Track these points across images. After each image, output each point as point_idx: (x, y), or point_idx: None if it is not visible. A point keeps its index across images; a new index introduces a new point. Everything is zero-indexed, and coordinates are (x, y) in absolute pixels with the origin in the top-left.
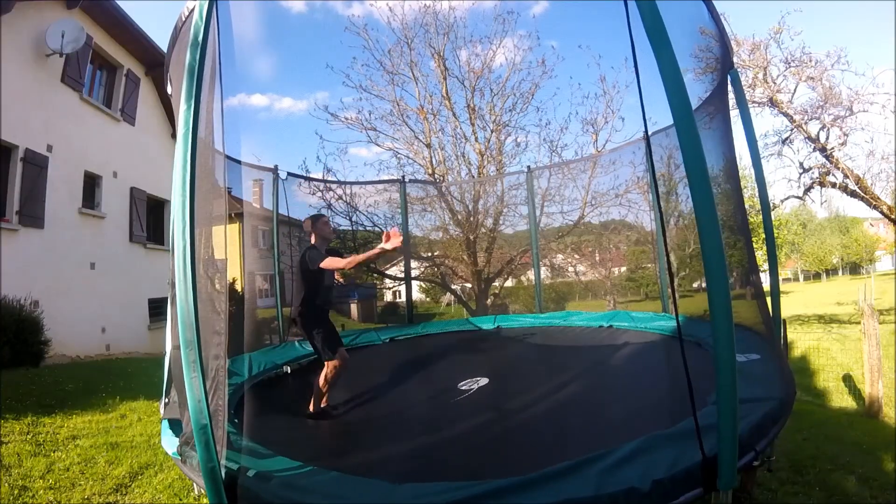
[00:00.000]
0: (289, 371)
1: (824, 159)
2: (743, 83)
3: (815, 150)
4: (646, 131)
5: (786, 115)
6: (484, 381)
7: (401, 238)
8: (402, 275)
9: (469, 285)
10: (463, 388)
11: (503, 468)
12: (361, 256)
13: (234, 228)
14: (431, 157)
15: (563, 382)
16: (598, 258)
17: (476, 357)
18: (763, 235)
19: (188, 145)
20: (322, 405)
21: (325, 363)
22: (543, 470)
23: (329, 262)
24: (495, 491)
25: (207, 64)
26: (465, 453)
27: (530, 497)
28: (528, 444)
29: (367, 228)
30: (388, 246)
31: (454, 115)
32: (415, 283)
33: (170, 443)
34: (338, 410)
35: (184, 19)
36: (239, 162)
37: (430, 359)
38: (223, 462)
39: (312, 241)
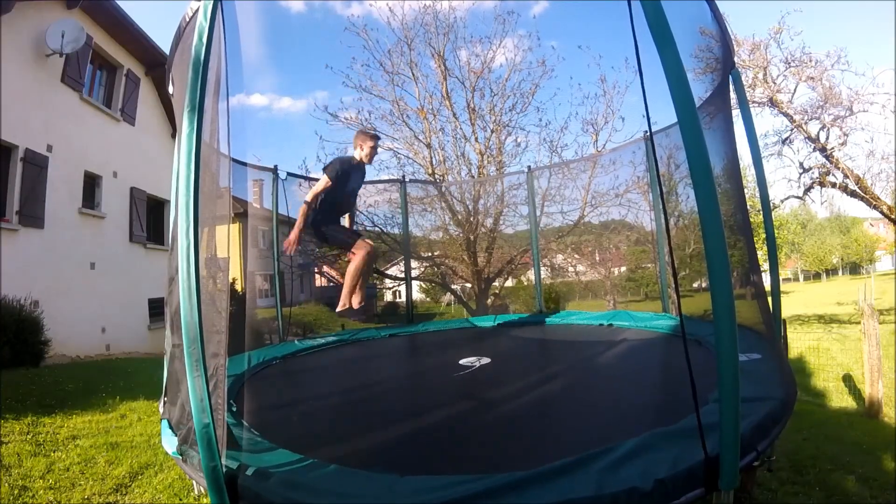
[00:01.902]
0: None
1: (824, 159)
2: (743, 83)
3: (815, 150)
4: (649, 130)
5: (786, 115)
6: (486, 360)
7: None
8: (402, 275)
9: (469, 285)
10: (465, 363)
11: (503, 459)
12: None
13: (234, 228)
14: (431, 157)
15: (562, 377)
16: (598, 258)
17: (477, 347)
18: (763, 235)
19: (192, 145)
20: (349, 300)
21: (356, 250)
22: (545, 466)
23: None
24: (498, 486)
25: (212, 65)
26: (467, 444)
27: (533, 496)
28: (529, 436)
29: (368, 228)
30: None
31: (454, 115)
32: (415, 283)
33: (170, 443)
34: (367, 314)
35: (188, 19)
36: (239, 162)
37: (430, 349)
38: (224, 461)
39: (356, 154)
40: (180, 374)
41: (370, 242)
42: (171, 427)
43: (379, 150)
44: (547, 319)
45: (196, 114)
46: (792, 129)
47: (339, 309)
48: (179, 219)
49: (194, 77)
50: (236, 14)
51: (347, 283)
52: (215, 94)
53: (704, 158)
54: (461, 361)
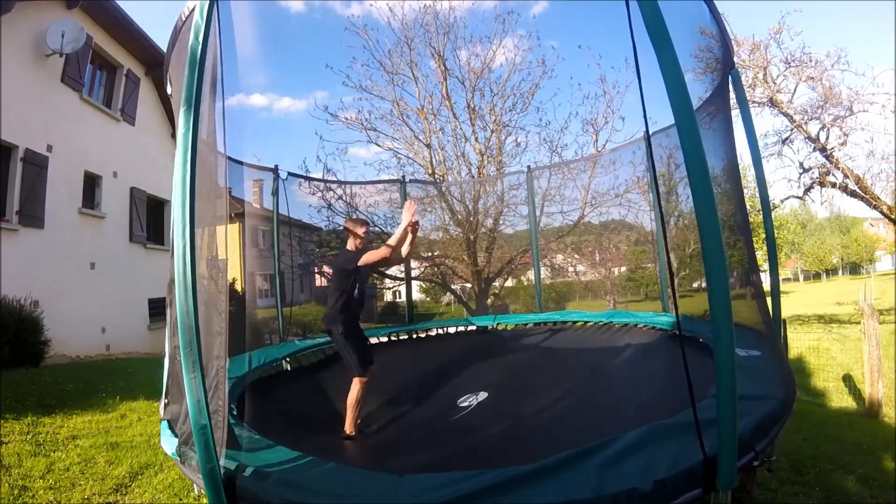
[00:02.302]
0: (288, 368)
1: (824, 159)
2: (743, 83)
3: (815, 150)
4: (647, 130)
5: (786, 115)
6: (483, 395)
7: (413, 207)
8: (402, 275)
9: (469, 285)
10: (463, 404)
11: (501, 458)
12: (394, 240)
13: (234, 228)
14: (431, 157)
15: (562, 375)
16: (598, 258)
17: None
18: (763, 235)
19: (188, 145)
20: (355, 426)
21: (354, 379)
22: (545, 461)
23: (368, 256)
24: (500, 483)
25: (208, 64)
26: (466, 442)
27: (533, 495)
28: (529, 433)
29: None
30: (408, 215)
31: (454, 115)
32: (415, 283)
33: (170, 443)
34: (371, 429)
35: (184, 19)
36: (239, 162)
37: (430, 351)
38: (222, 462)
39: (349, 245)
40: (181, 375)
41: (371, 373)
42: (171, 428)
43: (379, 149)
44: (546, 319)
45: (192, 112)
46: (792, 129)
47: (347, 431)
48: (175, 218)
49: (190, 76)
50: (231, 14)
51: (349, 413)
52: (213, 93)
53: (701, 159)
54: (459, 402)
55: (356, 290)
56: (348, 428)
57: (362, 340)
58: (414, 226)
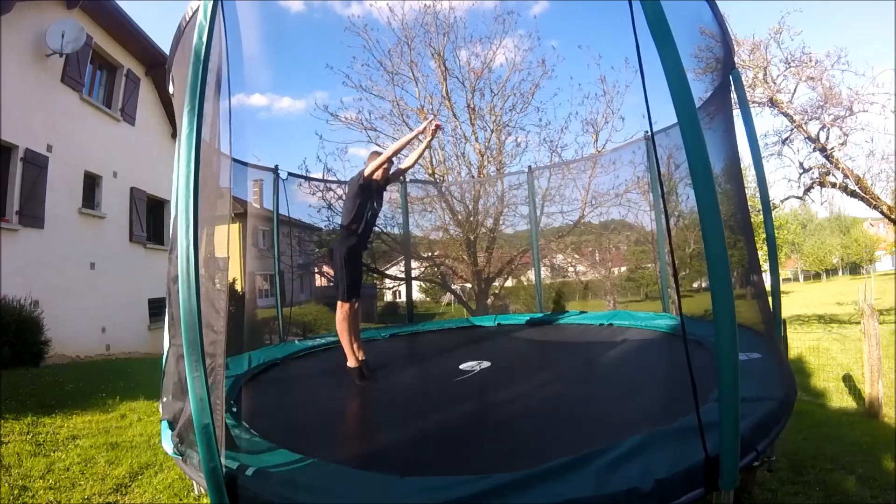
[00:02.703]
0: (288, 368)
1: (824, 159)
2: (743, 83)
3: (815, 150)
4: (650, 130)
5: (786, 115)
6: (486, 364)
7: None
8: (402, 275)
9: (469, 285)
10: (465, 368)
11: (504, 459)
12: (397, 144)
13: (234, 228)
14: (431, 157)
15: (563, 379)
16: (598, 258)
17: (477, 345)
18: (763, 235)
19: (192, 145)
20: (356, 363)
21: (338, 304)
22: (545, 465)
23: (372, 165)
24: (499, 486)
25: (212, 64)
26: (466, 443)
27: (534, 496)
28: (529, 434)
29: None
30: (419, 129)
31: (454, 115)
32: (415, 283)
33: (170, 443)
34: (370, 373)
35: (188, 19)
36: (240, 162)
37: (431, 349)
38: (223, 461)
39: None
40: (182, 373)
41: (354, 306)
42: (171, 428)
43: (379, 149)
44: (548, 319)
45: (196, 113)
46: (792, 129)
47: (350, 365)
48: (179, 219)
49: (194, 76)
50: (237, 13)
51: (341, 339)
52: (216, 93)
53: (704, 158)
54: (462, 366)
55: (369, 212)
56: (350, 361)
57: (356, 273)
58: (435, 130)
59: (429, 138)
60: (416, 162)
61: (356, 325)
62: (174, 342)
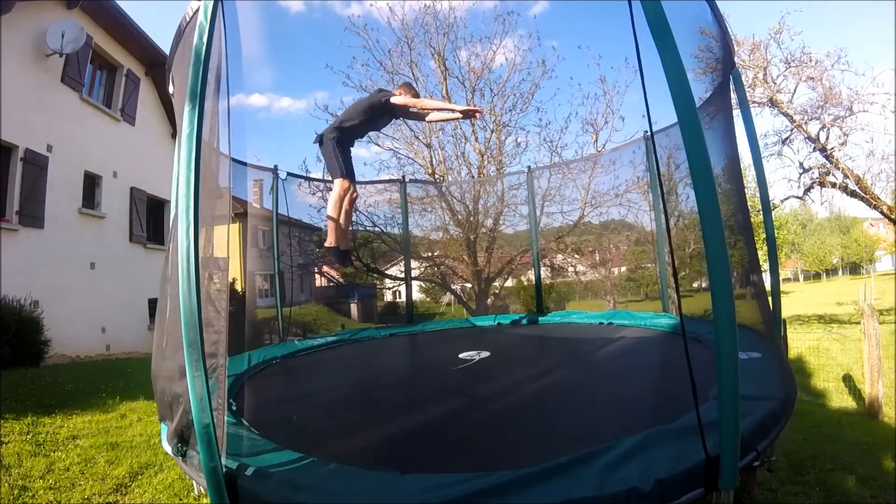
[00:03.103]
0: (288, 367)
1: (824, 159)
2: (743, 83)
3: (815, 150)
4: (650, 129)
5: (786, 115)
6: (485, 353)
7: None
8: (402, 275)
9: (469, 285)
10: (465, 357)
11: (504, 456)
12: (434, 103)
13: (234, 228)
14: (431, 157)
15: (562, 373)
16: (598, 258)
17: (477, 342)
18: (763, 235)
19: (192, 145)
20: (335, 238)
21: (335, 183)
22: (545, 464)
23: (402, 98)
24: (499, 485)
25: (212, 64)
26: (466, 440)
27: (533, 495)
28: (530, 432)
29: (367, 228)
30: (459, 108)
31: None
32: (415, 283)
33: (169, 443)
34: (356, 257)
35: (188, 19)
36: (239, 162)
37: (430, 346)
38: (224, 461)
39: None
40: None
41: (344, 183)
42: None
43: (379, 149)
44: (547, 319)
45: (196, 113)
46: (792, 129)
47: (326, 244)
48: (179, 219)
49: (195, 76)
50: (237, 13)
51: (329, 218)
52: (216, 93)
53: (704, 158)
54: (461, 355)
55: (368, 125)
56: (329, 240)
57: (349, 158)
58: (473, 113)
59: (459, 116)
60: (434, 120)
61: (349, 213)
62: (171, 339)
